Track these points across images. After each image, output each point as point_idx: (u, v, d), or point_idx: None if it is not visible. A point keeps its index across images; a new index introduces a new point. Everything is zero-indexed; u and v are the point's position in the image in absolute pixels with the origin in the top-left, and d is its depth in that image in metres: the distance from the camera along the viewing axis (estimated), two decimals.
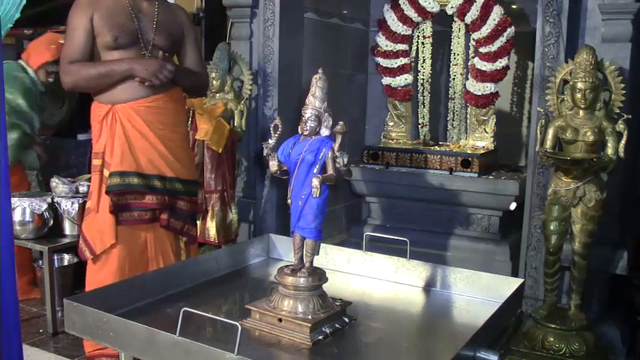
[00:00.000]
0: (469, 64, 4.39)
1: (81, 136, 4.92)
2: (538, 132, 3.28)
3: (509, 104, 4.81)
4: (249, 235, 4.61)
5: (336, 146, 1.82)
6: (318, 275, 1.89)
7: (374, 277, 2.35)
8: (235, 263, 2.43)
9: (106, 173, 3.02)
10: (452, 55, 4.52)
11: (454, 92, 4.55)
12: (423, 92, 4.69)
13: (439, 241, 4.26)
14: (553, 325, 3.28)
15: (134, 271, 3.01)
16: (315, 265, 1.92)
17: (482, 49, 4.23)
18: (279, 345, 1.76)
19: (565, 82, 3.33)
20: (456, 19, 4.40)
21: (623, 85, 3.25)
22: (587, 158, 3.10)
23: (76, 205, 4.04)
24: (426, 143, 4.67)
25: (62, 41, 3.87)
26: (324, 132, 1.87)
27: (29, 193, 4.25)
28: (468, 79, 4.37)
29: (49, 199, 4.06)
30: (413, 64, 4.65)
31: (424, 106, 4.71)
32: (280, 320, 1.81)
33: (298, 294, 1.85)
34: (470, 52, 4.39)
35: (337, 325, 1.86)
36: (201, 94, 3.64)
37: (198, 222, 3.93)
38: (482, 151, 4.25)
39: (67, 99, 5.04)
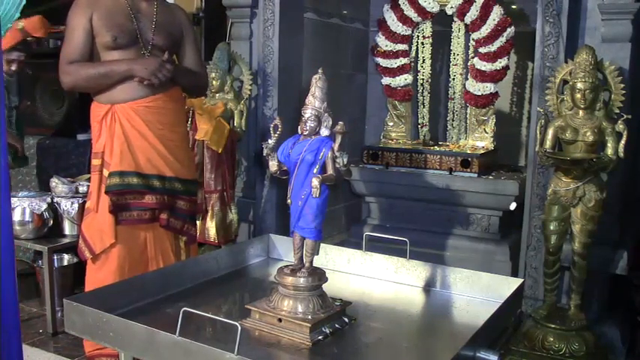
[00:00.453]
0: (469, 64, 4.39)
1: (80, 136, 4.92)
2: (538, 132, 3.28)
3: (508, 104, 4.81)
4: (249, 235, 4.61)
5: (336, 146, 1.82)
6: (318, 275, 1.89)
7: (374, 277, 2.35)
8: (235, 263, 2.43)
9: (106, 173, 3.02)
10: (451, 55, 4.52)
11: (454, 92, 4.55)
12: (422, 92, 4.69)
13: (439, 241, 4.26)
14: (553, 325, 3.28)
15: (134, 270, 3.00)
16: (314, 265, 1.92)
17: (482, 49, 4.23)
18: (279, 345, 1.76)
19: (565, 82, 3.34)
20: (455, 19, 4.40)
21: (622, 85, 3.25)
22: (586, 158, 3.10)
23: (76, 205, 4.05)
24: (425, 143, 4.67)
25: (20, 26, 3.85)
26: (324, 132, 1.87)
27: (29, 193, 4.25)
28: (467, 79, 4.37)
29: (48, 199, 4.07)
30: (413, 64, 4.65)
31: (424, 106, 4.71)
32: (280, 320, 1.81)
33: (298, 294, 1.85)
34: (469, 52, 4.39)
35: (337, 325, 1.86)
36: (201, 94, 3.64)
37: (197, 222, 3.93)
38: (482, 151, 4.25)
39: (66, 99, 5.05)
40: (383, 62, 4.64)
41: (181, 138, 3.26)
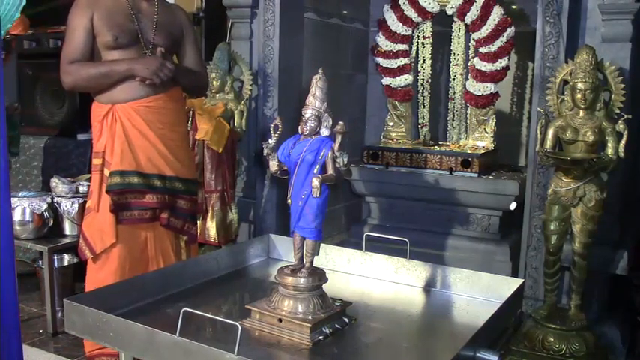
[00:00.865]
0: (469, 64, 4.39)
1: (81, 136, 4.92)
2: (538, 132, 3.28)
3: (509, 104, 4.81)
4: (249, 235, 4.61)
5: (336, 146, 1.82)
6: (318, 275, 1.89)
7: (374, 277, 2.35)
8: (235, 263, 2.43)
9: (107, 173, 3.02)
10: (452, 55, 4.52)
11: (454, 92, 4.55)
12: (423, 92, 4.69)
13: (439, 241, 4.26)
14: (553, 325, 3.28)
15: (134, 270, 3.01)
16: (315, 265, 1.91)
17: (482, 50, 4.23)
18: (279, 345, 1.76)
19: (565, 82, 3.34)
20: (456, 19, 4.40)
21: (623, 86, 3.25)
22: (587, 158, 3.10)
23: (76, 205, 4.05)
24: (426, 143, 4.67)
25: None
26: (324, 132, 1.87)
27: (29, 193, 4.25)
28: (467, 79, 4.37)
29: (49, 199, 4.07)
30: (413, 64, 4.65)
31: (424, 106, 4.71)
32: (280, 320, 1.81)
33: (298, 294, 1.85)
34: (470, 52, 4.39)
35: (337, 325, 1.86)
36: (201, 93, 3.64)
37: (198, 222, 3.93)
38: (482, 151, 4.25)
39: (67, 99, 5.05)
40: (383, 62, 4.64)
41: (182, 138, 3.26)
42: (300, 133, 1.88)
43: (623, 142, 3.12)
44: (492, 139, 4.37)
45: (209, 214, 4.17)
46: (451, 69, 4.55)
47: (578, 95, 3.16)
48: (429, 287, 2.25)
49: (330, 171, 1.82)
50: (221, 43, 4.42)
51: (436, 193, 4.22)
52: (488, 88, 4.24)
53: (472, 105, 4.36)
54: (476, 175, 4.11)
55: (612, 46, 3.41)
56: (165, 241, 3.18)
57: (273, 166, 1.90)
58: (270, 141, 1.89)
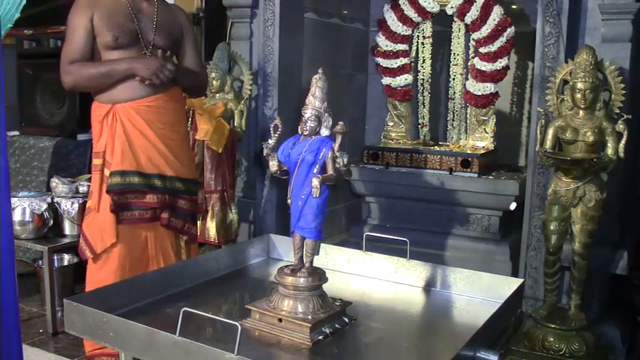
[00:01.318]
0: (469, 64, 4.39)
1: (81, 136, 4.92)
2: (538, 132, 3.28)
3: (509, 104, 4.81)
4: (249, 235, 4.61)
5: (336, 146, 1.82)
6: (318, 275, 1.89)
7: (374, 277, 2.35)
8: (235, 263, 2.43)
9: (107, 172, 3.02)
10: (452, 55, 4.52)
11: (454, 92, 4.55)
12: (422, 92, 4.69)
13: (439, 241, 4.26)
14: (553, 325, 3.28)
15: (134, 270, 3.01)
16: (315, 265, 1.92)
17: (482, 49, 4.23)
18: (279, 345, 1.76)
19: (565, 82, 3.34)
20: (455, 19, 4.40)
21: (623, 85, 3.25)
22: (587, 158, 3.10)
23: (76, 205, 4.05)
24: (425, 143, 4.67)
25: None
26: (324, 132, 1.87)
27: (29, 193, 4.25)
28: (467, 79, 4.37)
29: (48, 199, 4.07)
30: (413, 64, 4.65)
31: (424, 106, 4.71)
32: (280, 320, 1.81)
33: (298, 294, 1.85)
34: (470, 52, 4.39)
35: (337, 325, 1.86)
36: (201, 93, 3.64)
37: (198, 222, 3.93)
38: (482, 151, 4.25)
39: (67, 99, 5.05)
40: (383, 62, 4.64)
41: (182, 137, 3.26)
42: (300, 133, 1.88)
43: (623, 142, 3.12)
44: (492, 139, 4.37)
45: (209, 214, 4.17)
46: (451, 69, 4.55)
47: (578, 95, 3.16)
48: (429, 287, 2.25)
49: (330, 171, 1.82)
50: (221, 43, 4.42)
51: (436, 193, 4.22)
52: (488, 88, 4.24)
53: (472, 105, 4.36)
54: (476, 175, 4.11)
55: (612, 46, 3.41)
56: (166, 241, 3.18)
57: (273, 166, 1.90)
58: (270, 141, 1.89)
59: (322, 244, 2.03)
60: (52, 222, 4.08)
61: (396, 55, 4.59)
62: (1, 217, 1.61)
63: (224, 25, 4.88)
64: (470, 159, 4.14)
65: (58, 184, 4.15)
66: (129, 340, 1.71)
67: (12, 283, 1.67)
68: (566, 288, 3.53)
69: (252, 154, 4.53)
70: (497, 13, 4.15)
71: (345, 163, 1.83)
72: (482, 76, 4.24)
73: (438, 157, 4.25)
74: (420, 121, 4.76)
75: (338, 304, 1.92)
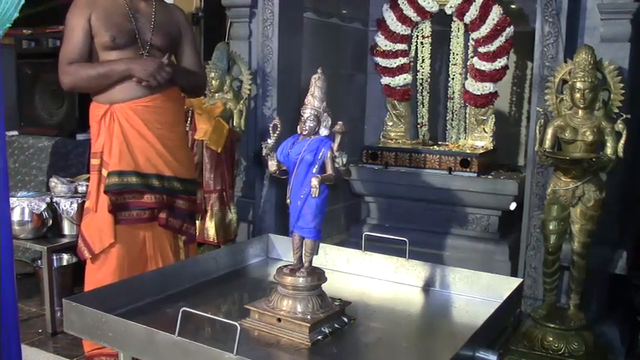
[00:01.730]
0: (468, 63, 4.39)
1: (80, 136, 4.91)
2: (537, 132, 3.28)
3: (508, 104, 4.81)
4: (248, 234, 4.61)
5: (335, 146, 1.82)
6: (317, 275, 1.89)
7: (373, 277, 2.35)
8: (234, 263, 2.43)
9: (105, 173, 3.02)
10: (451, 54, 4.52)
11: (453, 92, 4.55)
12: (422, 92, 4.69)
13: (438, 241, 4.26)
14: (552, 325, 3.28)
15: (133, 270, 3.00)
16: (314, 264, 1.91)
17: (482, 49, 4.23)
18: (279, 345, 1.76)
19: (564, 81, 3.34)
20: (455, 18, 4.40)
21: (622, 85, 3.25)
22: (586, 158, 3.10)
23: (75, 205, 4.05)
24: (425, 143, 4.67)
25: None
26: (323, 132, 1.87)
27: (28, 193, 4.25)
28: (467, 78, 4.37)
29: (47, 199, 4.07)
30: (412, 63, 4.65)
31: (423, 105, 4.71)
32: (279, 320, 1.81)
33: (297, 294, 1.85)
34: (469, 51, 4.39)
35: (336, 325, 1.85)
36: (199, 94, 3.63)
37: (197, 222, 3.93)
38: (482, 151, 4.25)
39: (66, 99, 5.04)
40: (382, 62, 4.64)
41: (180, 137, 3.26)
42: (299, 132, 1.88)
43: (622, 141, 3.12)
44: (491, 139, 4.37)
45: (208, 214, 4.17)
46: (450, 68, 4.55)
47: (577, 95, 3.16)
48: (428, 287, 2.26)
49: (329, 171, 1.82)
50: (220, 43, 4.42)
51: (435, 192, 4.22)
52: (488, 87, 4.24)
53: (471, 104, 4.36)
54: (475, 174, 4.11)
55: (611, 46, 3.41)
56: (164, 241, 3.18)
57: (272, 165, 1.90)
58: (269, 141, 1.89)
59: (321, 244, 2.03)
60: (51, 222, 4.07)
61: (395, 54, 4.59)
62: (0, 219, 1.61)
63: (223, 24, 4.88)
64: (469, 159, 4.14)
65: (57, 184, 4.15)
66: (128, 340, 1.71)
67: (11, 283, 1.67)
68: (565, 288, 3.53)
69: (251, 154, 4.53)
70: (496, 12, 4.15)
71: (345, 162, 1.83)
72: (481, 76, 4.24)
73: (437, 156, 4.25)
74: (419, 120, 4.76)
75: (337, 303, 1.92)
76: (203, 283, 2.24)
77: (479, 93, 4.27)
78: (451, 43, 4.50)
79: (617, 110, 3.26)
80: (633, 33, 3.39)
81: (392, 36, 4.57)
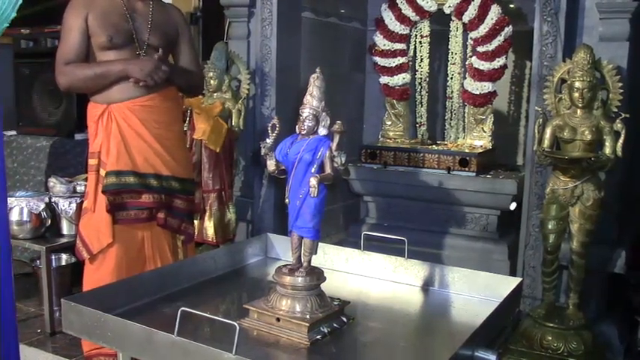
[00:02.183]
0: (467, 63, 4.38)
1: (78, 136, 4.91)
2: (536, 131, 3.28)
3: (507, 103, 4.81)
4: (247, 234, 4.60)
5: (334, 145, 1.83)
6: (316, 275, 1.89)
7: (372, 277, 2.35)
8: (233, 263, 2.43)
9: (103, 173, 3.02)
10: (449, 54, 4.52)
11: (452, 91, 4.54)
12: (420, 91, 4.69)
13: (437, 241, 4.26)
14: (551, 325, 3.28)
15: (131, 270, 3.00)
16: (313, 264, 1.92)
17: (480, 48, 4.22)
18: (278, 345, 1.76)
19: (563, 81, 3.34)
20: (453, 18, 4.39)
21: (620, 84, 3.25)
22: (584, 157, 3.11)
23: (74, 205, 4.04)
24: (423, 142, 4.67)
25: None
26: (322, 131, 1.87)
27: (27, 192, 4.24)
28: (465, 78, 4.37)
29: (46, 199, 4.07)
30: (411, 63, 4.64)
31: (422, 105, 4.71)
32: (278, 320, 1.81)
33: (296, 293, 1.85)
34: (467, 51, 4.39)
35: (335, 325, 1.85)
36: (197, 93, 3.63)
37: (196, 221, 3.93)
38: (480, 150, 4.25)
39: (64, 99, 5.04)
40: (381, 61, 4.63)
41: (177, 137, 3.26)
42: (297, 132, 1.88)
43: (620, 141, 3.12)
44: (490, 138, 4.36)
45: (207, 214, 4.16)
46: (449, 68, 4.55)
47: (576, 94, 3.16)
48: (427, 286, 2.26)
49: (328, 170, 1.82)
50: (218, 43, 4.41)
51: (434, 192, 4.22)
52: (486, 87, 4.23)
53: (470, 104, 4.35)
54: (474, 174, 4.11)
55: (610, 45, 3.41)
56: (162, 241, 3.18)
57: (271, 165, 1.90)
58: (267, 140, 1.90)
59: (320, 244, 2.03)
60: (49, 222, 4.07)
61: (393, 54, 4.59)
62: None
63: (222, 24, 4.88)
64: (468, 158, 4.13)
65: (56, 184, 4.15)
66: (127, 340, 1.71)
67: (9, 283, 1.67)
68: (564, 287, 3.52)
69: (249, 154, 4.52)
70: (494, 12, 4.15)
71: (343, 162, 1.83)
72: (479, 75, 4.24)
73: (436, 156, 4.25)
74: (417, 120, 4.76)
75: (336, 303, 1.92)
76: (202, 283, 2.24)
77: (477, 92, 4.27)
78: (450, 43, 4.49)
79: (615, 109, 3.26)
80: (632, 32, 3.39)
81: (390, 35, 4.57)
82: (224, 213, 4.21)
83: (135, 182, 3.02)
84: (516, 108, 4.80)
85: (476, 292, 2.17)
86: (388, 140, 4.72)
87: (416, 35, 4.61)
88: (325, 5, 4.81)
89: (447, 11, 4.36)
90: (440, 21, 4.56)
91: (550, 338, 3.25)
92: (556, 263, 3.34)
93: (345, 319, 1.90)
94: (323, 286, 1.91)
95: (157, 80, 2.98)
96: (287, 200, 1.88)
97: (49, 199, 4.09)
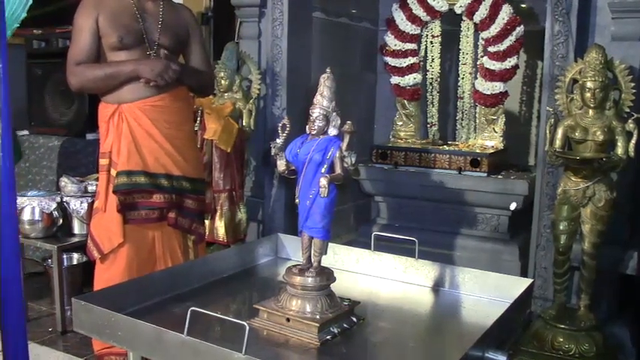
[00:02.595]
0: (478, 63, 4.37)
1: (90, 136, 4.93)
2: (547, 131, 3.27)
3: (518, 103, 4.80)
4: (257, 234, 4.61)
5: (344, 146, 1.82)
6: (326, 275, 1.89)
7: (382, 277, 2.35)
8: (243, 263, 2.43)
9: (113, 173, 3.03)
10: (461, 54, 4.51)
11: (463, 91, 4.54)
12: (431, 91, 4.68)
13: (448, 241, 4.25)
14: (562, 326, 3.27)
15: (142, 270, 3.01)
16: (323, 264, 1.91)
17: (491, 49, 4.21)
18: (287, 345, 1.76)
19: (574, 81, 3.32)
20: (464, 18, 4.39)
21: (633, 84, 3.23)
22: (596, 158, 3.09)
23: (85, 205, 4.06)
24: (434, 143, 4.66)
25: None
26: (332, 131, 1.87)
27: (38, 192, 4.26)
28: (476, 78, 4.36)
29: (58, 199, 4.08)
30: (422, 63, 4.64)
31: (433, 105, 4.70)
32: (288, 320, 1.81)
33: (306, 294, 1.85)
34: (479, 51, 4.38)
35: (345, 325, 1.85)
36: (207, 93, 3.64)
37: (206, 221, 3.94)
38: (492, 151, 4.24)
39: (75, 99, 5.06)
40: (392, 61, 4.63)
41: (188, 136, 3.26)
42: (307, 132, 1.88)
43: (633, 141, 3.10)
44: (501, 139, 4.35)
45: (218, 214, 4.17)
46: (460, 68, 4.54)
47: (588, 94, 3.15)
48: (437, 287, 2.25)
49: (338, 170, 1.82)
50: (229, 43, 4.41)
51: (445, 192, 4.21)
52: (497, 87, 4.22)
53: (481, 104, 4.34)
54: (485, 174, 4.10)
55: (622, 45, 3.39)
56: (173, 241, 3.19)
57: (281, 165, 1.90)
58: (277, 140, 1.90)
59: (331, 244, 2.03)
60: (61, 221, 4.09)
61: (404, 54, 4.59)
62: (6, 216, 1.61)
63: (233, 24, 4.88)
64: (479, 158, 4.13)
65: (67, 184, 4.16)
66: (137, 340, 1.71)
67: (17, 282, 1.67)
68: (575, 288, 3.51)
69: (260, 154, 4.53)
70: (506, 12, 4.14)
71: (353, 162, 1.83)
72: (491, 75, 4.23)
73: (447, 156, 4.24)
74: (428, 120, 4.75)
75: (346, 303, 1.91)
76: (212, 283, 2.25)
77: (489, 92, 4.26)
78: (461, 43, 4.49)
79: (627, 110, 3.24)
80: None
81: (401, 35, 4.57)
82: (235, 213, 4.22)
83: (146, 182, 3.03)
84: (528, 108, 4.79)
85: (486, 292, 2.16)
86: (399, 140, 4.71)
87: (427, 35, 4.60)
88: (336, 5, 4.81)
89: (458, 11, 4.35)
90: (451, 21, 4.55)
91: (561, 339, 3.24)
92: (567, 264, 3.33)
93: (355, 320, 1.90)
94: (333, 286, 1.91)
95: (167, 80, 2.99)
96: (297, 200, 1.88)
97: (61, 198, 4.10)
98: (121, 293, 1.97)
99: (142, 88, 3.01)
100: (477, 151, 4.25)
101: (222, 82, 4.25)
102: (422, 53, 4.63)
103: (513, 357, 3.26)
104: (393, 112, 4.85)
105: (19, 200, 3.97)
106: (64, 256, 4.20)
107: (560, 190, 3.26)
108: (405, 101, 4.70)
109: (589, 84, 3.13)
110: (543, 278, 3.61)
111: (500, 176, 4.13)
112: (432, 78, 4.66)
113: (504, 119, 4.34)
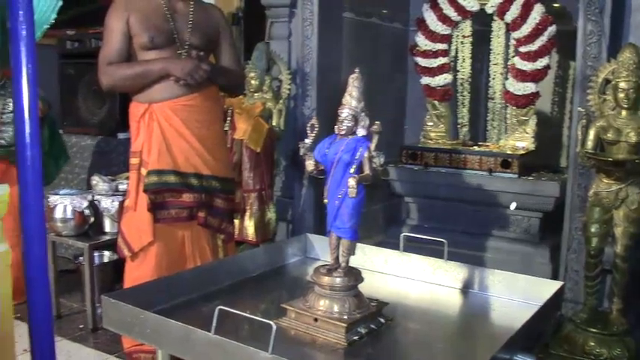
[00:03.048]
0: (509, 63, 4.34)
1: (121, 135, 4.99)
2: (579, 132, 3.23)
3: (549, 104, 4.75)
4: (287, 234, 4.62)
5: (373, 146, 1.82)
6: (354, 275, 1.89)
7: (411, 278, 2.34)
8: (272, 262, 2.44)
9: (144, 172, 3.05)
10: (491, 54, 4.48)
11: (494, 92, 4.50)
12: (462, 92, 4.65)
13: (477, 243, 4.22)
14: (594, 330, 3.23)
15: (171, 268, 3.02)
16: (352, 265, 1.91)
17: (523, 49, 4.17)
18: (314, 345, 1.76)
19: (607, 81, 3.28)
20: (495, 18, 4.36)
21: None
22: (629, 159, 3.05)
23: (116, 203, 4.10)
24: (465, 143, 4.63)
25: None
26: (361, 132, 1.86)
27: (71, 190, 4.32)
28: (507, 78, 4.32)
29: (89, 197, 4.13)
30: (452, 63, 4.61)
31: (463, 105, 4.67)
32: (316, 320, 1.81)
33: (334, 294, 1.84)
34: (510, 51, 4.34)
35: (373, 326, 1.85)
36: (238, 92, 3.66)
37: (236, 221, 3.95)
38: (523, 152, 4.20)
39: (107, 99, 5.12)
40: (422, 62, 4.61)
41: (218, 136, 3.28)
42: (336, 132, 1.88)
43: None
44: (533, 140, 4.31)
45: (247, 213, 4.19)
46: (491, 68, 4.51)
47: (621, 95, 3.11)
48: (466, 289, 2.24)
49: (367, 171, 1.82)
50: (259, 43, 4.43)
51: (475, 193, 4.18)
52: (529, 87, 4.18)
53: (512, 105, 4.31)
54: (516, 175, 4.07)
55: None
56: (203, 240, 3.20)
57: (310, 165, 1.90)
58: (306, 140, 1.90)
59: (360, 244, 2.02)
60: (92, 219, 4.14)
61: (435, 54, 4.57)
62: (33, 213, 1.63)
63: (263, 24, 4.90)
64: (510, 159, 4.09)
65: (99, 182, 4.22)
66: (165, 338, 1.72)
67: (44, 279, 1.69)
68: (607, 291, 3.47)
69: (290, 154, 4.54)
70: (537, 11, 4.10)
71: (382, 162, 1.82)
72: (522, 76, 4.19)
73: (478, 157, 4.21)
74: (459, 121, 4.72)
75: (374, 304, 1.91)
76: (241, 282, 2.25)
77: (520, 93, 4.22)
78: (492, 43, 4.45)
79: None
80: None
81: (432, 36, 4.55)
82: (264, 212, 4.23)
83: (176, 181, 3.05)
84: (560, 109, 4.74)
85: (516, 295, 2.14)
86: (429, 141, 4.69)
87: (457, 35, 4.58)
88: (366, 5, 4.81)
89: (489, 11, 4.32)
90: (482, 21, 4.52)
91: (592, 344, 3.20)
92: (599, 267, 3.29)
93: (382, 320, 1.89)
94: (362, 286, 1.91)
95: (197, 79, 3.00)
96: (325, 200, 1.88)
97: (92, 197, 4.15)
98: (150, 291, 1.98)
99: (173, 88, 3.03)
100: (508, 152, 4.22)
101: (253, 82, 4.26)
102: (452, 53, 4.61)
103: None
104: (423, 112, 4.83)
105: (52, 198, 4.03)
106: (95, 254, 4.26)
107: (591, 192, 3.22)
108: (436, 102, 4.67)
109: (622, 84, 3.09)
110: (574, 281, 3.57)
111: (531, 177, 4.09)
112: (462, 78, 4.63)
113: (535, 120, 4.30)
